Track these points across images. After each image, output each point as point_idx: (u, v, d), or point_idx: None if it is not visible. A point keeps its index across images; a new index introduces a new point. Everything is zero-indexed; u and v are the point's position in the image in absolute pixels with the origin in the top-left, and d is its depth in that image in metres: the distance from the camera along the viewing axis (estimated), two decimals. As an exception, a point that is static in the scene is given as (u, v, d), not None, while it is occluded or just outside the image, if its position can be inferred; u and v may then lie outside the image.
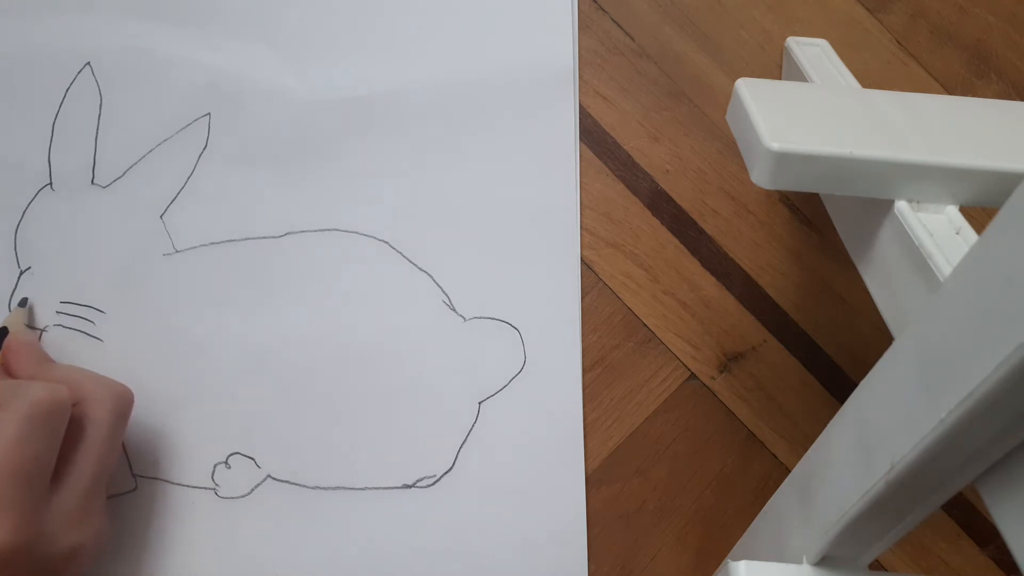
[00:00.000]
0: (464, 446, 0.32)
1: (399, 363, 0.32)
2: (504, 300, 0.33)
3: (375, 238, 0.33)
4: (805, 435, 0.34)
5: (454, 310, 0.33)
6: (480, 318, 0.33)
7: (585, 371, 0.33)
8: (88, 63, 0.33)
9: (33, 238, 0.32)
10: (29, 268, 0.32)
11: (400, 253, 0.33)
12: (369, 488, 0.32)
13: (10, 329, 0.30)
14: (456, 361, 0.33)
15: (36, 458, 0.24)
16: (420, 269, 0.33)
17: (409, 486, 0.32)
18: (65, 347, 0.31)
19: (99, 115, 0.33)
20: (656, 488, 0.33)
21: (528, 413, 0.32)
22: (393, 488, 0.32)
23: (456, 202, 0.34)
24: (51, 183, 0.32)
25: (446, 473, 0.32)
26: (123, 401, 0.28)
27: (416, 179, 0.34)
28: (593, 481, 0.33)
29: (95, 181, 0.32)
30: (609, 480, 0.33)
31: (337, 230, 0.33)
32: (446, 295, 0.33)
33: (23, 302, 0.31)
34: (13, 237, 0.32)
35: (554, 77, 0.34)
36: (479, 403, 0.33)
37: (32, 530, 0.24)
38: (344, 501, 0.32)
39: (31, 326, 0.31)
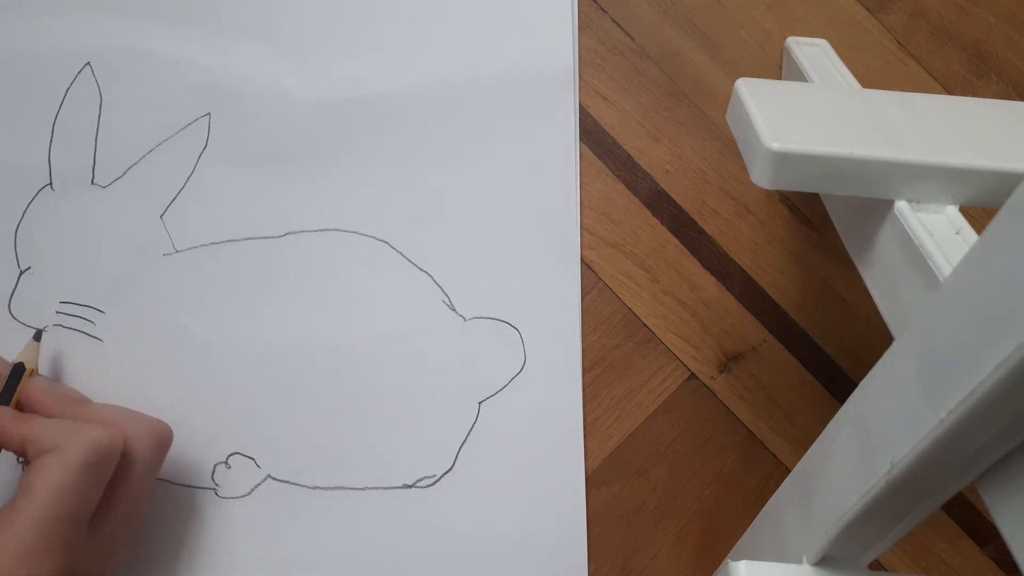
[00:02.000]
0: (464, 446, 0.32)
1: (399, 363, 0.32)
2: (504, 300, 0.33)
3: (375, 238, 0.33)
4: (805, 435, 0.34)
5: (454, 310, 0.33)
6: (480, 318, 0.33)
7: (585, 371, 0.33)
8: (88, 63, 0.33)
9: (33, 238, 0.32)
10: (29, 268, 0.32)
11: (400, 253, 0.33)
12: (369, 488, 0.32)
13: (27, 365, 0.28)
14: (456, 361, 0.33)
15: (87, 501, 0.24)
16: (420, 269, 0.33)
17: (409, 486, 0.32)
18: (65, 347, 0.31)
19: (99, 115, 0.33)
20: (656, 488, 0.33)
21: (528, 413, 0.32)
22: (393, 488, 0.32)
23: (456, 202, 0.34)
24: (51, 183, 0.32)
25: (446, 473, 0.32)
26: (162, 439, 0.28)
27: (416, 179, 0.34)
28: (593, 481, 0.33)
29: (95, 181, 0.32)
30: (609, 480, 0.33)
31: (337, 230, 0.33)
32: (446, 295, 0.33)
33: (38, 335, 0.30)
34: (13, 237, 0.32)
35: (554, 77, 0.34)
36: (479, 403, 0.33)
37: (73, 569, 0.24)
38: (344, 501, 0.32)
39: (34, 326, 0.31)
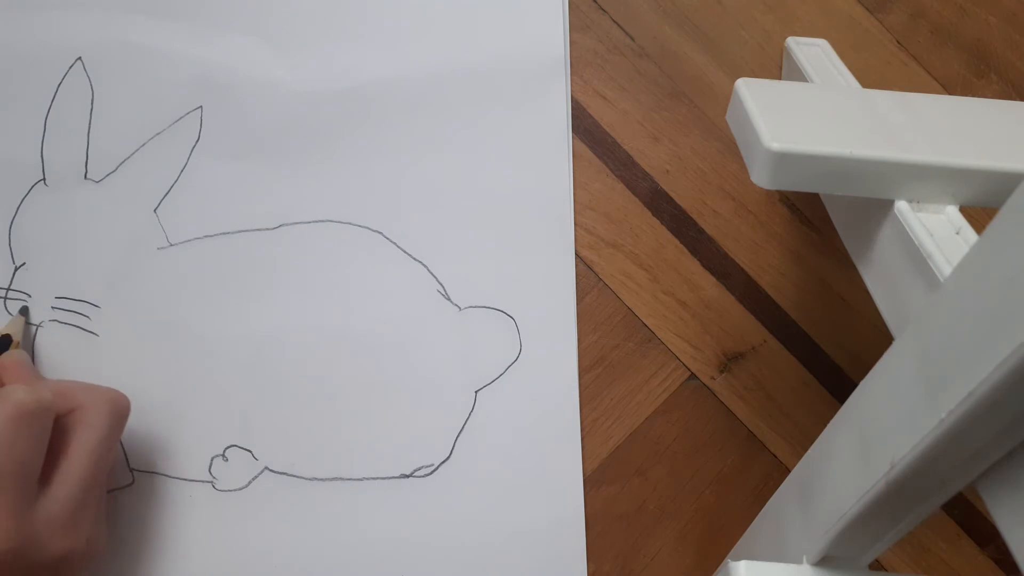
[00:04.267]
0: (461, 435, 0.32)
1: (395, 353, 0.32)
2: (499, 289, 0.33)
3: (369, 229, 0.33)
4: (805, 435, 0.34)
5: (449, 300, 0.33)
6: (475, 307, 0.33)
7: (585, 371, 0.33)
8: (79, 58, 0.33)
9: (27, 234, 0.32)
10: (24, 264, 0.32)
11: (394, 243, 0.33)
12: (367, 478, 0.32)
13: (13, 338, 0.29)
14: (452, 350, 0.33)
15: (21, 461, 0.24)
16: (414, 259, 0.33)
17: (407, 476, 0.32)
18: (60, 342, 0.31)
19: (91, 110, 0.33)
20: (656, 488, 0.33)
21: (525, 401, 0.33)
22: (391, 478, 0.32)
23: (449, 192, 0.34)
24: (44, 178, 0.32)
25: (444, 462, 0.32)
26: (118, 407, 0.28)
27: (409, 169, 0.34)
28: (593, 481, 0.33)
29: (88, 176, 0.32)
30: (609, 480, 0.33)
31: (331, 221, 0.33)
32: (441, 285, 0.33)
33: (23, 311, 0.31)
34: (7, 233, 0.32)
35: (545, 67, 0.34)
36: (475, 392, 0.33)
37: (22, 534, 0.24)
38: (341, 491, 0.32)
39: (28, 322, 0.31)
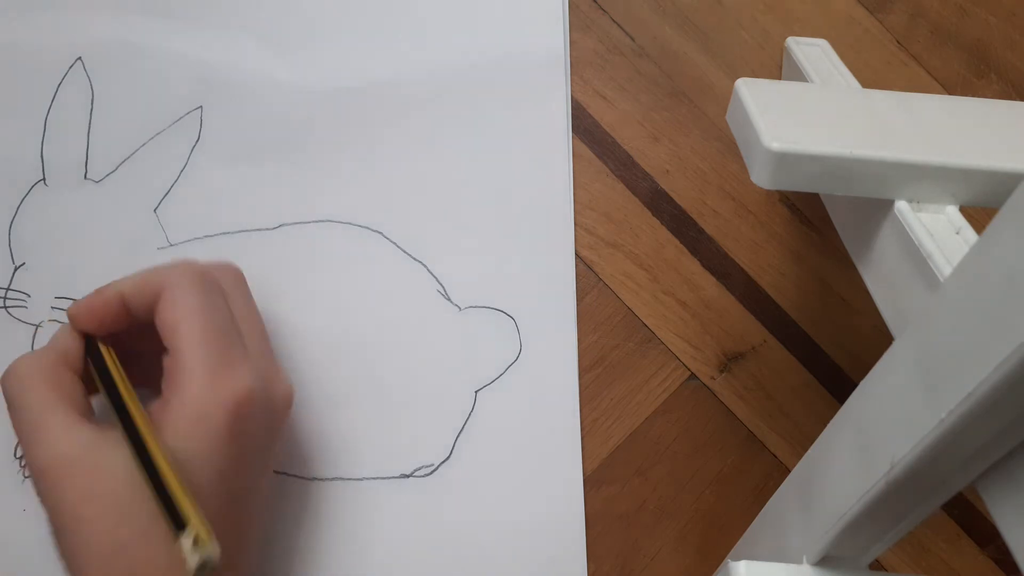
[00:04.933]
0: (461, 435, 0.32)
1: (395, 353, 0.32)
2: (499, 289, 0.33)
3: (369, 229, 0.33)
4: (805, 435, 0.34)
5: (449, 300, 0.33)
6: (475, 307, 0.33)
7: (585, 371, 0.33)
8: (79, 58, 0.33)
9: (27, 234, 0.32)
10: (24, 264, 0.32)
11: (394, 243, 0.33)
12: (367, 478, 0.32)
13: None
14: (452, 350, 0.33)
15: (227, 317, 0.25)
16: (414, 259, 0.33)
17: (407, 476, 0.32)
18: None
19: (91, 110, 0.33)
20: (656, 488, 0.33)
21: (525, 401, 0.32)
22: (391, 478, 0.32)
23: (449, 192, 0.34)
24: (44, 178, 0.32)
25: (444, 462, 0.32)
26: (233, 270, 0.29)
27: (409, 169, 0.34)
28: (593, 481, 0.33)
29: (88, 176, 0.32)
30: (609, 480, 0.33)
31: (331, 221, 0.33)
32: (441, 285, 0.33)
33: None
34: (7, 233, 0.32)
35: (545, 67, 0.34)
36: (475, 392, 0.33)
37: (257, 373, 0.25)
38: (342, 491, 0.32)
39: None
